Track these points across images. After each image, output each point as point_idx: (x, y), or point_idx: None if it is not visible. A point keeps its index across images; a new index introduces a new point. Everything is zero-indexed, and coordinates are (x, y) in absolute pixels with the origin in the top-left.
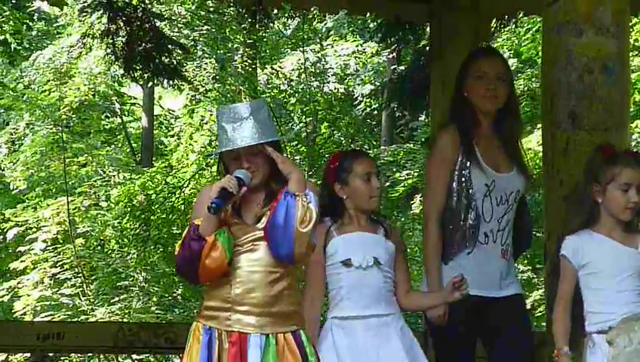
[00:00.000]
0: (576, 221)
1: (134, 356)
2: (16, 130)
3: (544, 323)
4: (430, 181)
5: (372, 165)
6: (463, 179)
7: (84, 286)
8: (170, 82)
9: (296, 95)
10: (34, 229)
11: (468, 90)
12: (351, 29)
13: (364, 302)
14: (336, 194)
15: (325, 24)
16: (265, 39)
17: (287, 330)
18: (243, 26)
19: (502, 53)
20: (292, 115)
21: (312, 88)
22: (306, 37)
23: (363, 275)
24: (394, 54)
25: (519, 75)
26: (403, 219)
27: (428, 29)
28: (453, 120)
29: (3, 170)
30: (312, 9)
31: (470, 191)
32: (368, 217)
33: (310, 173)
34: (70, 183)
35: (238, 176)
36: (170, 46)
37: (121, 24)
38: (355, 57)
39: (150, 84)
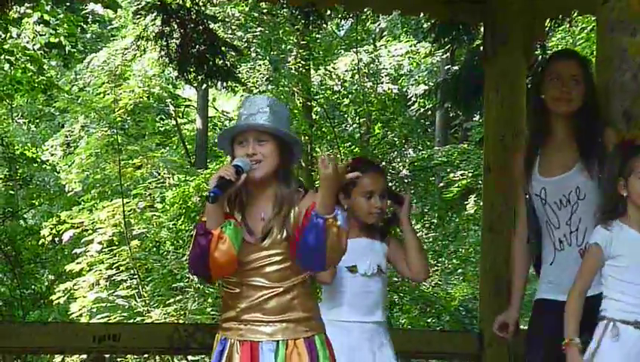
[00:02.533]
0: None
1: (190, 357)
2: (72, 132)
3: None
4: (517, 206)
5: (377, 184)
6: (526, 194)
7: (140, 288)
8: (224, 84)
9: (350, 96)
10: (89, 231)
11: (544, 92)
12: (404, 29)
13: (366, 309)
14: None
15: (379, 25)
16: (318, 40)
17: (299, 337)
18: (296, 27)
19: (584, 56)
20: (345, 115)
21: (366, 89)
22: (359, 38)
23: (367, 282)
24: (448, 54)
25: None
26: (457, 220)
27: (482, 29)
28: (528, 126)
29: (58, 173)
30: (365, 10)
31: (532, 205)
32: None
33: None
34: (125, 185)
35: (236, 163)
36: (223, 48)
37: (175, 26)
38: (409, 57)
39: (204, 85)
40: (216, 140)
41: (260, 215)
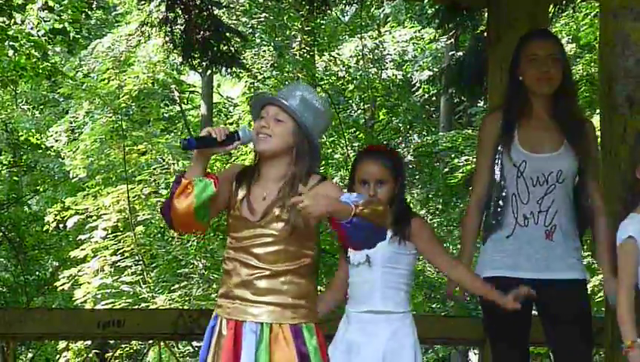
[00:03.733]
0: (627, 203)
1: (194, 343)
2: (76, 118)
3: (604, 309)
4: (476, 166)
5: (372, 173)
6: (497, 162)
7: (145, 274)
8: (229, 70)
9: (355, 82)
10: (94, 217)
11: (521, 73)
12: (409, 15)
13: (358, 299)
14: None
15: (383, 10)
16: (323, 26)
17: (285, 322)
18: (301, 12)
19: (556, 35)
20: (350, 101)
21: (370, 75)
22: (363, 23)
23: (358, 272)
24: (452, 40)
25: (578, 60)
26: (462, 206)
27: (486, 15)
28: (504, 103)
29: (63, 159)
30: None
31: (502, 173)
32: None
33: None
34: (130, 171)
35: (235, 130)
36: (228, 34)
37: (180, 12)
38: (413, 43)
39: (209, 71)
40: (221, 126)
41: (264, 194)
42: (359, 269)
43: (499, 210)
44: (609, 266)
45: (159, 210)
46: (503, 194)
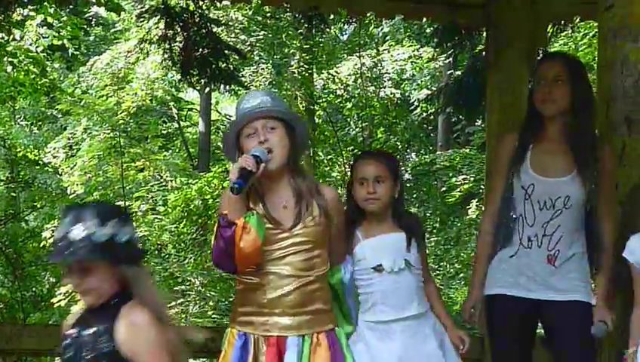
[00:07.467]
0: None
1: (191, 360)
2: (74, 134)
3: None
4: (491, 184)
5: (369, 170)
6: (509, 183)
7: None
8: (227, 87)
9: (353, 100)
10: None
11: (533, 94)
12: (407, 34)
13: (400, 305)
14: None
15: (382, 29)
16: (321, 44)
17: (323, 329)
18: (299, 31)
19: (573, 56)
20: (348, 120)
21: (369, 93)
22: (362, 42)
23: (396, 279)
24: (450, 59)
25: None
26: (459, 225)
27: (484, 34)
28: (521, 125)
29: (60, 175)
30: (368, 14)
31: (512, 194)
32: (391, 217)
33: None
34: (127, 188)
35: (254, 153)
36: (226, 51)
37: (178, 29)
38: (412, 62)
39: (207, 89)
40: (219, 144)
41: (282, 203)
42: (397, 276)
43: (507, 229)
44: (602, 294)
45: (214, 263)
46: (512, 214)
